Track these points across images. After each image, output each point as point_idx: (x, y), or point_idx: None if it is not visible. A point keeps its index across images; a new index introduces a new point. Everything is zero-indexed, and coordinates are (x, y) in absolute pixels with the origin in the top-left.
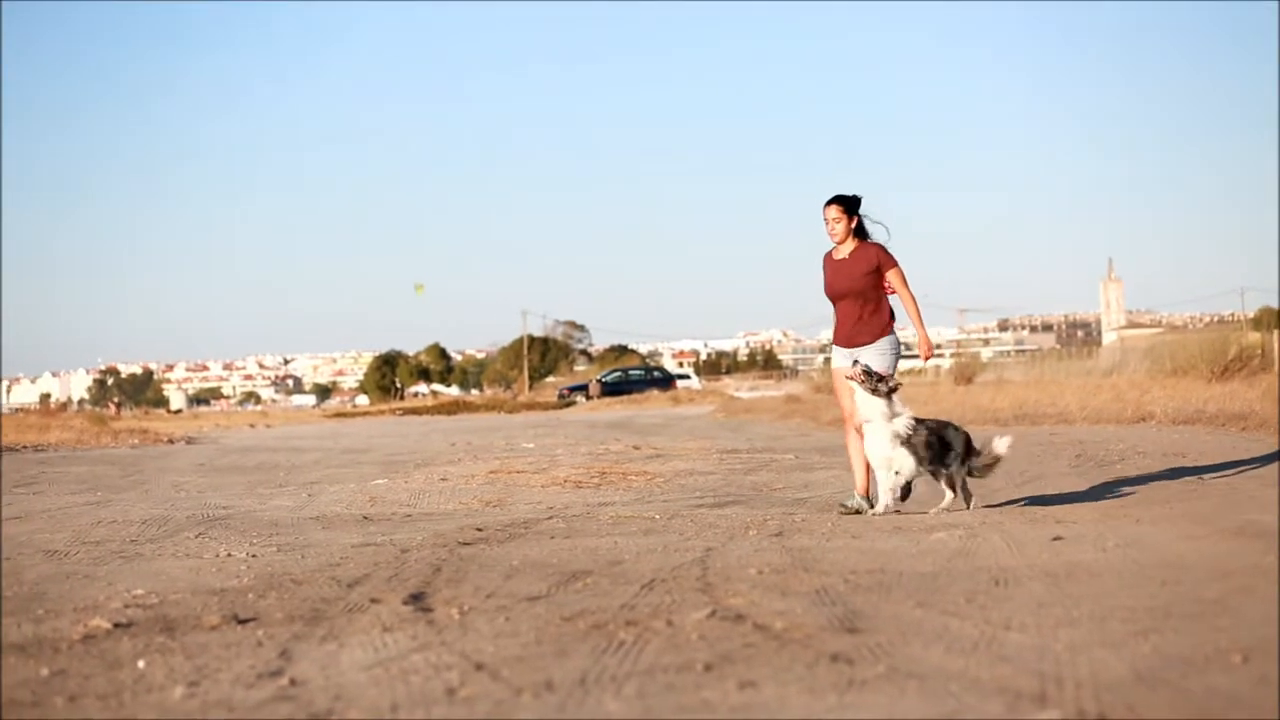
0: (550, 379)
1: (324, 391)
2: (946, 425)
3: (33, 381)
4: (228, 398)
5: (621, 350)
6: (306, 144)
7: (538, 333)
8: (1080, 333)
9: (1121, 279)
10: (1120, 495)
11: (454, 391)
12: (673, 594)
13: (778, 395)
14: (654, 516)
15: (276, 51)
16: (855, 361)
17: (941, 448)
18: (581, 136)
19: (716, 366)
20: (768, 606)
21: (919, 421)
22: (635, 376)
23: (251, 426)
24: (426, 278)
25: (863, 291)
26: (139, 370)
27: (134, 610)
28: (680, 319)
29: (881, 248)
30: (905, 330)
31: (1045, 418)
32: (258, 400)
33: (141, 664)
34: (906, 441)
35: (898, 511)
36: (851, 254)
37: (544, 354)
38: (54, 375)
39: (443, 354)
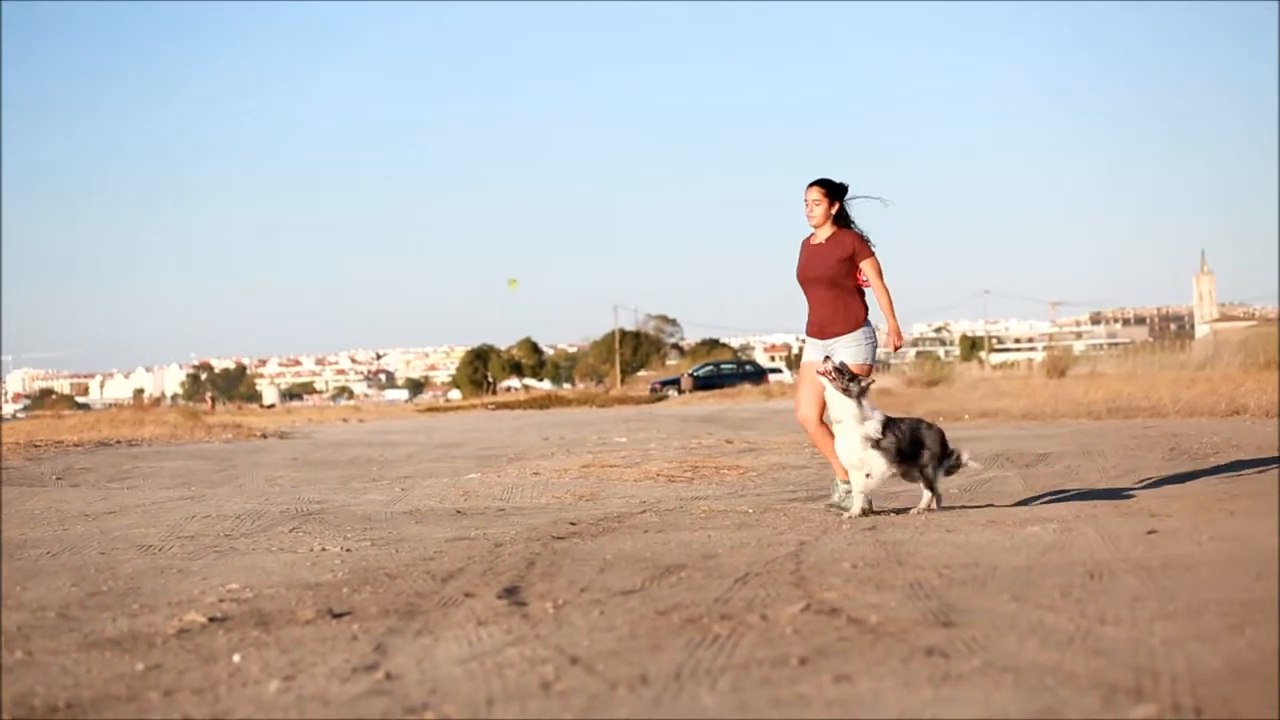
0: (642, 373)
1: (416, 386)
2: (920, 424)
3: (126, 377)
4: (320, 393)
5: (713, 344)
6: (401, 139)
7: (629, 327)
8: (1173, 326)
9: (1214, 272)
10: (1214, 488)
11: (546, 386)
12: (767, 588)
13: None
14: (747, 510)
15: (372, 48)
16: (827, 357)
17: (915, 448)
18: (673, 131)
19: None
20: (862, 600)
21: (892, 421)
22: (727, 370)
23: (344, 421)
24: (519, 272)
25: (834, 279)
26: (232, 365)
27: (229, 604)
28: (772, 313)
29: (859, 236)
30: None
31: (1138, 411)
32: (350, 395)
33: (236, 658)
34: (878, 444)
35: (867, 513)
36: (828, 239)
37: (636, 348)
38: (148, 370)
39: (535, 348)
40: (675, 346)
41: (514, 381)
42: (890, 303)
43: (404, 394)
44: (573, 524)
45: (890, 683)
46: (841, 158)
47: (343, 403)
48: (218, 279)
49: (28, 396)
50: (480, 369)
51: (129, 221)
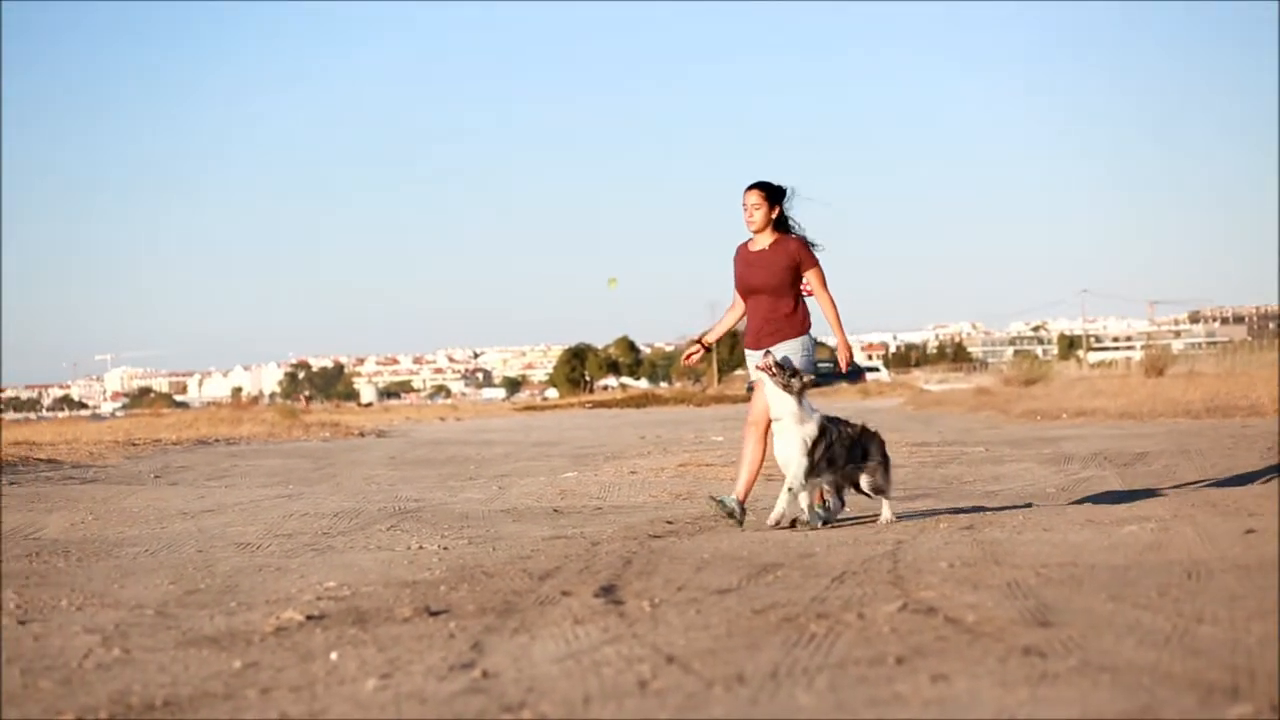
0: (739, 372)
1: (513, 385)
2: (862, 429)
3: (225, 375)
4: (418, 391)
5: None
6: (498, 138)
7: None
8: (1272, 324)
9: None
10: None
11: (643, 384)
12: (864, 587)
13: (967, 388)
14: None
15: (459, 44)
16: (767, 352)
17: (857, 453)
18: (772, 129)
19: (905, 359)
20: (959, 599)
21: (833, 423)
22: (824, 369)
23: (441, 420)
24: (617, 271)
25: (776, 288)
26: (330, 364)
27: (326, 602)
28: (869, 312)
29: (802, 242)
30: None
31: (1237, 410)
32: (448, 394)
33: (334, 656)
34: (811, 449)
35: (826, 524)
36: (770, 246)
37: (732, 347)
38: (245, 369)
39: (631, 347)
40: None
41: (611, 380)
42: (837, 314)
43: (501, 393)
44: (669, 523)
45: (987, 682)
46: (945, 155)
47: (440, 401)
48: (317, 278)
49: (126, 395)
50: (577, 368)
51: (228, 221)
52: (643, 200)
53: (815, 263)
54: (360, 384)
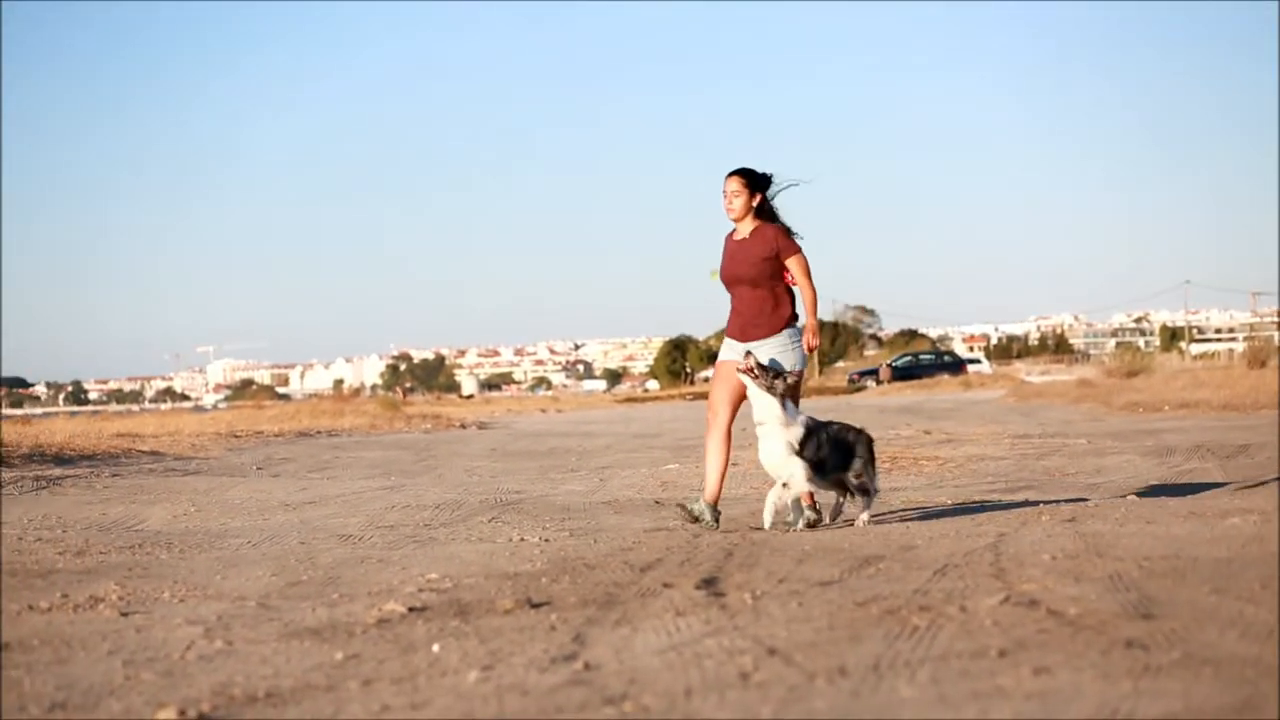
0: (840, 364)
1: (614, 376)
2: (848, 429)
3: (326, 367)
4: (519, 383)
5: (911, 335)
6: (596, 130)
7: (827, 317)
8: None
9: None
10: None
11: None
12: (965, 579)
13: (1069, 379)
14: (946, 501)
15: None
16: (748, 353)
17: (843, 454)
18: (868, 121)
19: (1007, 350)
20: (1061, 592)
21: (818, 425)
22: (925, 361)
23: (543, 411)
24: (718, 263)
25: (758, 278)
26: (431, 356)
27: (428, 594)
28: (970, 303)
29: (782, 230)
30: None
31: None
32: (548, 385)
33: (436, 648)
34: (800, 451)
35: (812, 526)
36: (750, 235)
37: (834, 338)
38: (347, 361)
39: None
40: (873, 337)
41: (712, 372)
42: (814, 302)
43: (602, 384)
44: None
45: (1089, 675)
46: (1044, 147)
47: (541, 393)
48: (419, 270)
49: (228, 387)
50: (678, 359)
51: (331, 213)
52: None
53: (796, 250)
54: (461, 376)
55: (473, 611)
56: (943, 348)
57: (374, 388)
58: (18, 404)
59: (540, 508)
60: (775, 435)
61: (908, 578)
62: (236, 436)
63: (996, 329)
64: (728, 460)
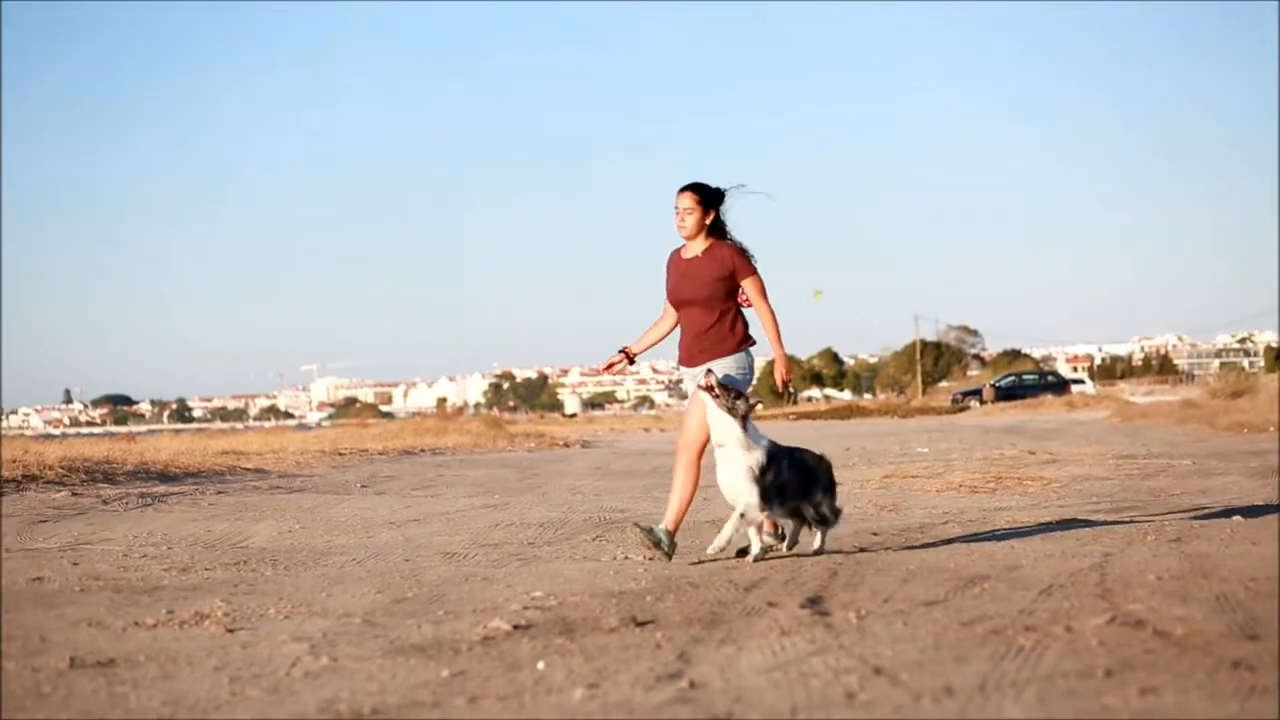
0: (943, 383)
1: (781, 394)
2: (806, 454)
3: (429, 386)
4: (621, 402)
5: (1015, 355)
6: (695, 150)
7: (930, 337)
8: None
9: None
10: None
11: (846, 396)
12: (1071, 599)
13: (1173, 400)
14: (1050, 522)
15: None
16: (709, 370)
17: (804, 480)
18: (973, 136)
19: (1111, 371)
20: (1167, 612)
21: (778, 450)
22: (1029, 381)
23: (645, 430)
24: (821, 282)
25: (710, 300)
26: (534, 375)
27: (532, 612)
28: (1074, 323)
29: (737, 249)
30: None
31: None
32: (651, 405)
33: (541, 665)
34: (760, 477)
35: (766, 554)
36: (703, 254)
37: (937, 359)
38: (450, 380)
39: (835, 358)
40: (976, 357)
41: (815, 392)
42: (777, 330)
43: None
44: (875, 534)
45: (1196, 696)
46: (1146, 168)
47: (644, 412)
48: (521, 290)
49: (332, 405)
50: None
51: (433, 233)
52: (849, 211)
53: (752, 271)
54: (564, 395)
55: (578, 629)
56: (1046, 368)
57: (477, 406)
58: (122, 421)
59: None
60: (736, 458)
61: (1013, 597)
62: (340, 454)
63: (1100, 349)
64: (694, 489)
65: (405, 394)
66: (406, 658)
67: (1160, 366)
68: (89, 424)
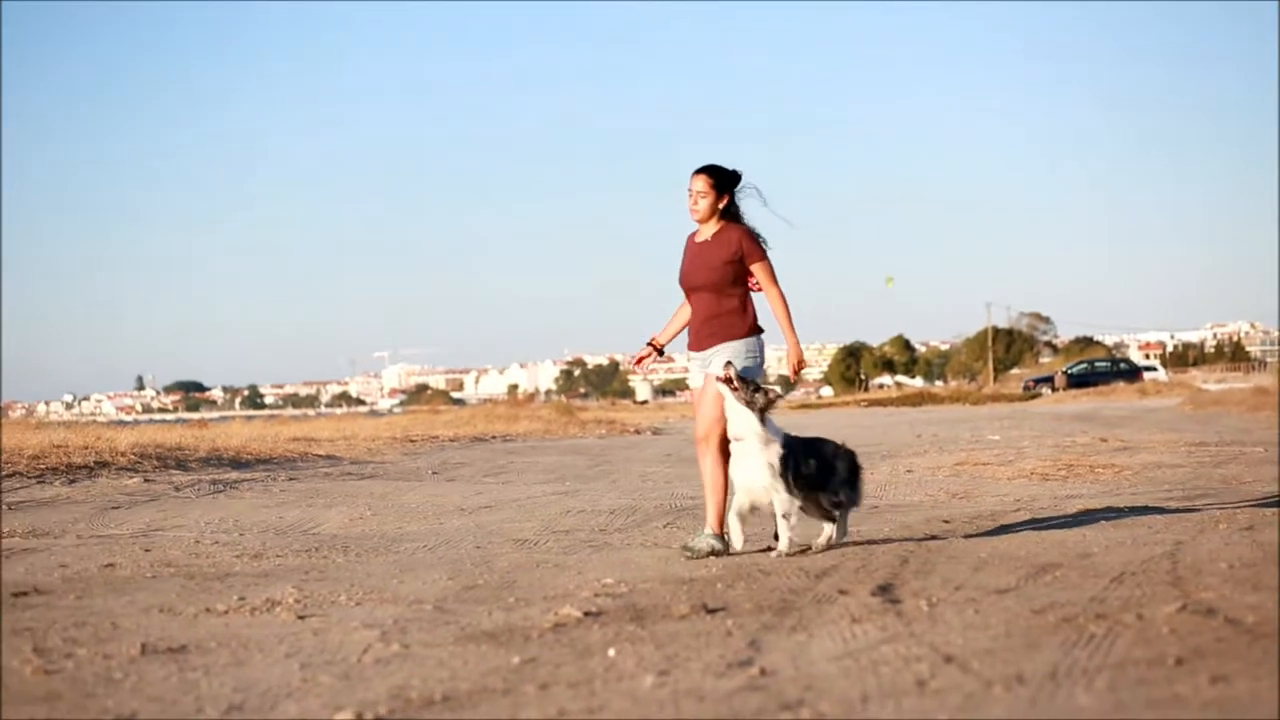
0: (1015, 371)
1: (788, 383)
2: (826, 444)
3: (501, 372)
4: (693, 389)
5: (1087, 342)
6: (769, 140)
7: (1002, 324)
8: None
9: None
10: None
11: (918, 383)
12: (1142, 587)
13: (1246, 387)
14: (1122, 509)
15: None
16: (729, 363)
17: (823, 471)
18: (1048, 120)
19: (1183, 358)
20: (1239, 600)
21: (796, 441)
22: (1101, 368)
23: None
24: (893, 269)
25: (719, 284)
26: (605, 361)
27: (603, 599)
28: (1147, 310)
29: (747, 232)
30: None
31: None
32: None
33: (612, 652)
34: (783, 472)
35: (714, 553)
36: (714, 237)
37: (1009, 345)
38: (521, 366)
39: (907, 345)
40: (1048, 344)
41: (886, 379)
42: (788, 312)
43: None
44: (946, 521)
45: (1268, 684)
46: (1220, 152)
47: None
48: (593, 276)
49: (403, 391)
50: (852, 366)
51: (506, 219)
52: (920, 197)
53: (762, 255)
54: (635, 381)
55: (648, 616)
56: (1119, 355)
57: (548, 393)
58: (194, 407)
59: None
60: (755, 453)
61: (1085, 585)
62: (412, 441)
63: (1173, 336)
64: (726, 482)
65: (477, 380)
66: (477, 644)
67: (1233, 353)
68: (161, 410)
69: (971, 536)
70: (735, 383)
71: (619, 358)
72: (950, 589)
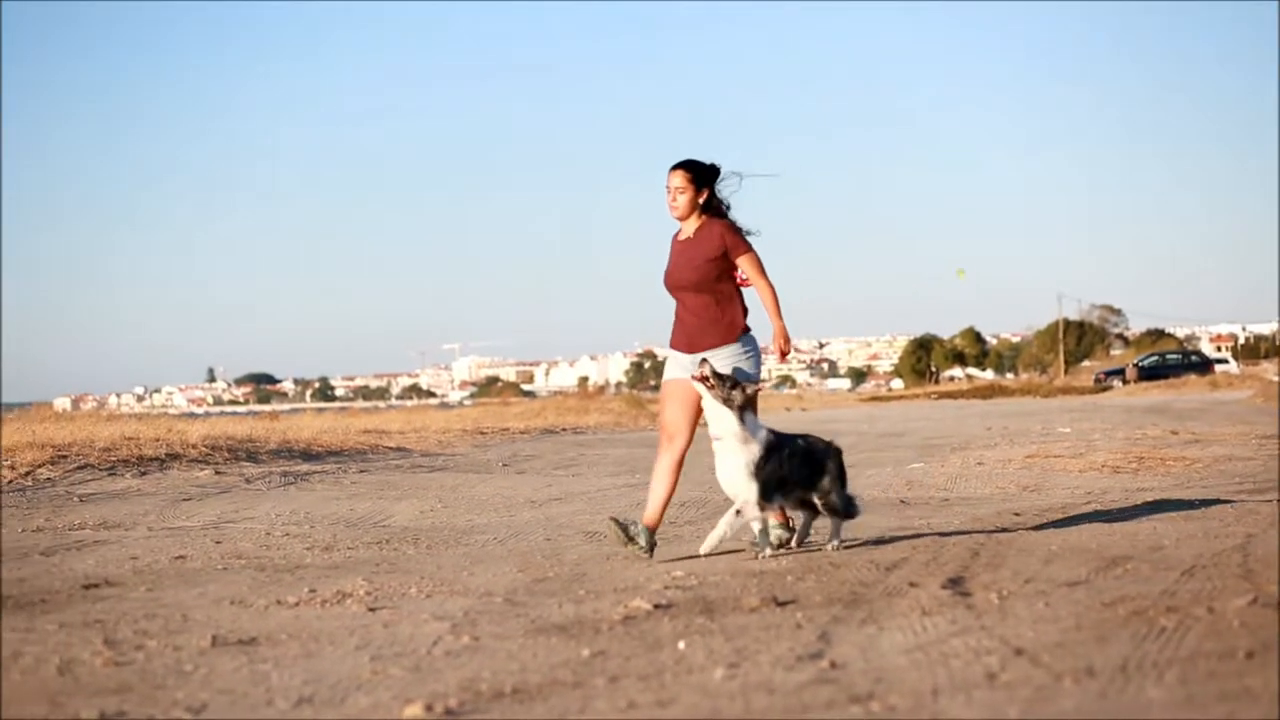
0: (1086, 363)
1: (858, 375)
2: (814, 441)
3: (571, 365)
4: (763, 382)
5: (1158, 334)
6: (844, 133)
7: (1073, 316)
8: None
9: None
10: None
11: (989, 375)
12: (1213, 580)
13: None
14: (1193, 502)
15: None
16: (704, 360)
17: (811, 470)
18: (1116, 113)
19: (1255, 350)
20: None
21: (780, 439)
22: (1172, 361)
23: (787, 410)
24: (964, 261)
25: (703, 282)
26: None
27: (673, 591)
28: (1218, 302)
29: (729, 225)
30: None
31: None
32: (793, 384)
33: (682, 645)
34: (759, 472)
35: (781, 548)
36: (696, 233)
37: (1079, 338)
38: (592, 359)
39: (978, 338)
40: (1120, 336)
41: (957, 371)
42: (776, 301)
43: (846, 383)
44: (1017, 514)
45: None
46: None
47: (785, 391)
48: (659, 267)
49: (474, 384)
50: (923, 358)
51: (577, 210)
52: (990, 189)
53: (747, 248)
54: None
55: (718, 609)
56: (1190, 347)
57: (618, 385)
58: (265, 400)
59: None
60: (733, 452)
61: (1155, 578)
62: (482, 433)
63: (1244, 328)
64: (674, 488)
65: (547, 373)
66: (547, 637)
67: None
68: (232, 402)
69: (1042, 529)
70: (711, 381)
71: None
72: (1021, 582)
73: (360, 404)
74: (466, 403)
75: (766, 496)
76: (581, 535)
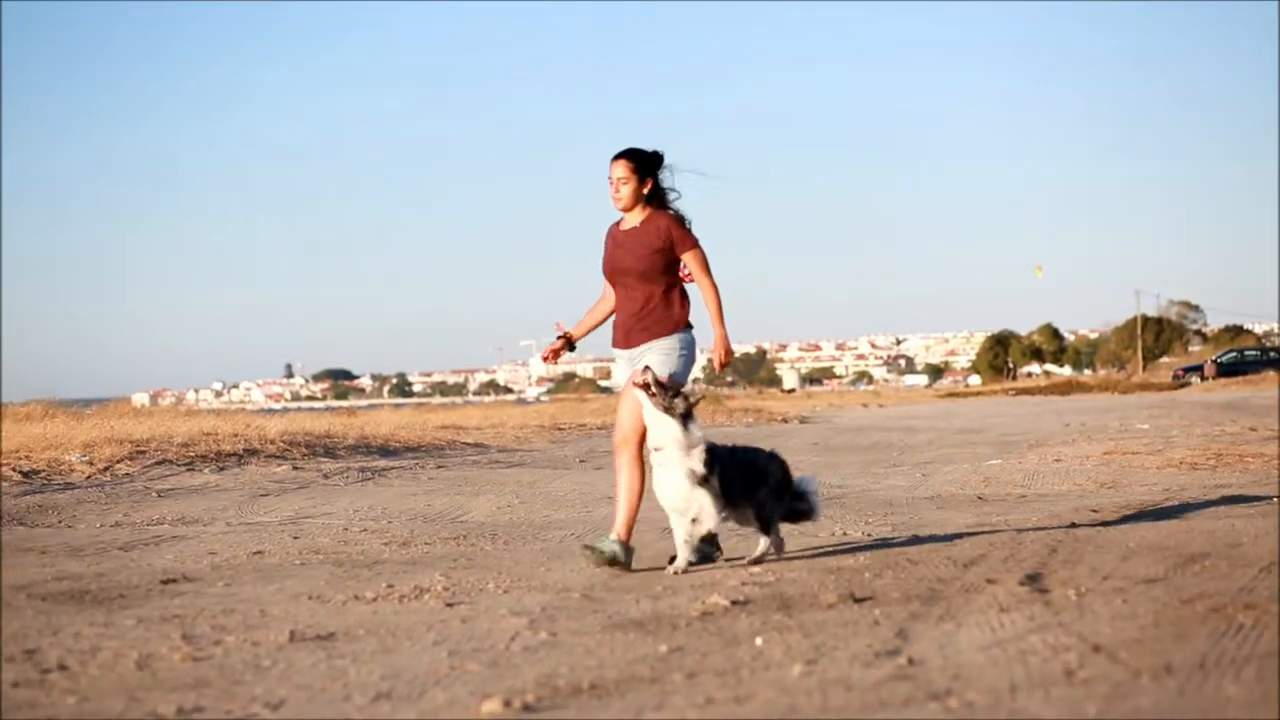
0: (1164, 359)
1: (936, 371)
2: (757, 452)
3: None
4: (840, 378)
5: (1237, 331)
6: (934, 127)
7: (1151, 313)
8: None
9: None
10: None
11: (1066, 372)
12: None
13: None
14: (1272, 499)
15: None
16: (646, 367)
17: (751, 481)
18: (1195, 108)
19: None
20: None
21: (720, 450)
22: (1251, 357)
23: (864, 406)
24: (1042, 257)
25: (646, 274)
26: (752, 350)
27: (751, 588)
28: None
29: (675, 219)
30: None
31: None
32: (870, 380)
33: (759, 641)
34: (706, 480)
35: (705, 559)
36: (641, 224)
37: (1158, 334)
38: None
39: (1056, 334)
40: (1198, 333)
41: (1034, 367)
42: (719, 303)
43: (923, 379)
44: (1094, 511)
45: None
46: None
47: (862, 388)
48: (739, 265)
49: (551, 380)
50: (1001, 354)
51: None
52: (1069, 185)
53: (693, 243)
54: (782, 370)
55: (796, 605)
56: (1268, 344)
57: (694, 381)
58: (342, 395)
59: (863, 502)
60: (675, 462)
61: (1233, 575)
62: (559, 429)
63: None
64: (642, 487)
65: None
66: (625, 633)
67: None
68: (310, 398)
69: (1120, 525)
70: (653, 388)
71: (766, 346)
72: (1098, 578)
73: (437, 400)
74: (543, 399)
75: (716, 498)
76: (658, 531)
